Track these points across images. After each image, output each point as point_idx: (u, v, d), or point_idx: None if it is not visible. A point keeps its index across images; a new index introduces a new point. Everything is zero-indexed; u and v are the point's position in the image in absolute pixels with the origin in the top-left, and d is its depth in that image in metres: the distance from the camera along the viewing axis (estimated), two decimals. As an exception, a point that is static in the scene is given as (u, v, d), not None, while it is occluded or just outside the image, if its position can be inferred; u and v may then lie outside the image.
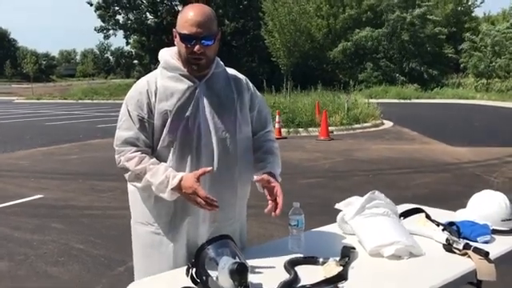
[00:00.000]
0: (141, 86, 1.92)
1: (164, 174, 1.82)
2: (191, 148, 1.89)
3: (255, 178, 1.93)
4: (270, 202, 1.89)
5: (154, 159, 1.88)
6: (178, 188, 1.80)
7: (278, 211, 1.86)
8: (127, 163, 1.87)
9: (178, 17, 1.88)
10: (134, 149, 1.88)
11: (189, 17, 1.83)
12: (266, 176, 1.92)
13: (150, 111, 1.88)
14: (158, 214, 1.93)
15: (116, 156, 1.93)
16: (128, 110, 1.91)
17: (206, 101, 1.92)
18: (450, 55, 36.88)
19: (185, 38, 1.84)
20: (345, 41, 36.63)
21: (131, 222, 2.07)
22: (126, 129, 1.91)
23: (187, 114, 1.89)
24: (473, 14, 42.31)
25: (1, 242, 4.97)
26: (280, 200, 1.87)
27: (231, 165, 1.95)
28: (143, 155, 1.87)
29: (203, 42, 1.83)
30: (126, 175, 1.90)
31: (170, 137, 1.88)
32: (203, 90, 1.92)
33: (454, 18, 39.52)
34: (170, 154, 1.89)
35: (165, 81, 1.91)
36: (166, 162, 1.89)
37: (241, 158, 1.98)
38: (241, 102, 1.99)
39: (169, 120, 1.87)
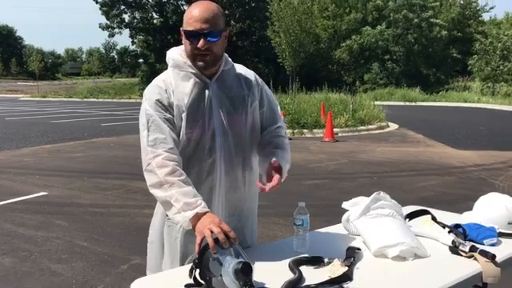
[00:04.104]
0: (159, 87, 1.89)
1: (195, 198, 1.75)
2: (205, 147, 1.89)
3: (262, 169, 1.94)
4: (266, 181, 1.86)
5: (185, 177, 1.80)
6: (200, 216, 1.71)
7: (267, 188, 1.81)
8: (158, 170, 1.78)
9: (184, 15, 1.87)
10: (166, 154, 1.80)
11: (193, 13, 1.82)
12: (274, 160, 1.86)
13: (172, 110, 1.87)
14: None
15: (146, 157, 1.83)
16: (154, 111, 1.86)
17: (218, 100, 1.91)
18: (455, 57, 36.77)
19: (189, 35, 1.83)
20: (352, 41, 36.59)
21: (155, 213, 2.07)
22: (155, 130, 1.84)
23: (202, 113, 1.88)
24: (480, 19, 42.17)
25: (5, 238, 4.99)
26: (273, 182, 1.81)
27: (243, 161, 1.97)
28: (177, 167, 1.79)
29: (208, 38, 1.81)
30: (150, 180, 1.81)
31: (187, 136, 1.87)
32: (214, 89, 1.92)
33: (460, 22, 39.41)
34: (186, 153, 1.88)
35: (178, 80, 1.90)
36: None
37: (250, 154, 2.00)
38: (252, 98, 1.98)
39: (185, 120, 1.86)
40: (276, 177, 1.83)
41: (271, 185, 1.82)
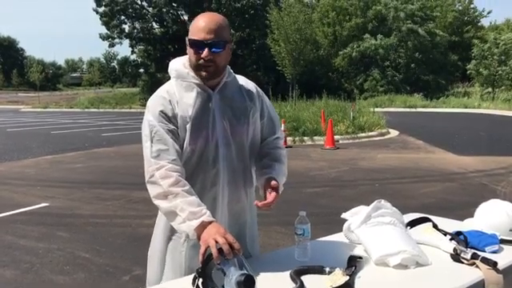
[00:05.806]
0: (163, 97, 1.89)
1: (199, 207, 1.75)
2: (209, 157, 1.89)
3: (259, 182, 1.97)
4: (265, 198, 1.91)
5: (189, 187, 1.80)
6: (206, 225, 1.71)
7: (260, 204, 1.88)
8: (162, 180, 1.78)
9: (190, 25, 1.89)
10: (169, 165, 1.80)
11: (199, 23, 1.84)
12: (274, 183, 1.89)
13: (176, 121, 1.87)
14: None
15: (149, 169, 1.82)
16: (157, 123, 1.85)
17: (221, 110, 1.92)
18: (455, 62, 36.84)
19: (194, 44, 1.84)
20: (351, 49, 36.69)
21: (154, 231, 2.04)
22: (158, 141, 1.84)
23: (205, 124, 1.88)
24: (479, 24, 42.33)
25: (6, 249, 4.98)
26: (268, 200, 1.87)
27: (244, 172, 1.98)
28: (180, 178, 1.79)
29: (212, 48, 1.82)
30: (153, 191, 1.80)
31: (191, 147, 1.87)
32: (217, 99, 1.92)
33: (459, 27, 39.54)
34: (190, 164, 1.88)
35: (182, 91, 1.90)
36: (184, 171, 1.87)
37: (250, 165, 2.02)
38: (253, 109, 1.99)
39: (189, 131, 1.86)
40: (272, 195, 1.87)
41: (265, 202, 1.86)
